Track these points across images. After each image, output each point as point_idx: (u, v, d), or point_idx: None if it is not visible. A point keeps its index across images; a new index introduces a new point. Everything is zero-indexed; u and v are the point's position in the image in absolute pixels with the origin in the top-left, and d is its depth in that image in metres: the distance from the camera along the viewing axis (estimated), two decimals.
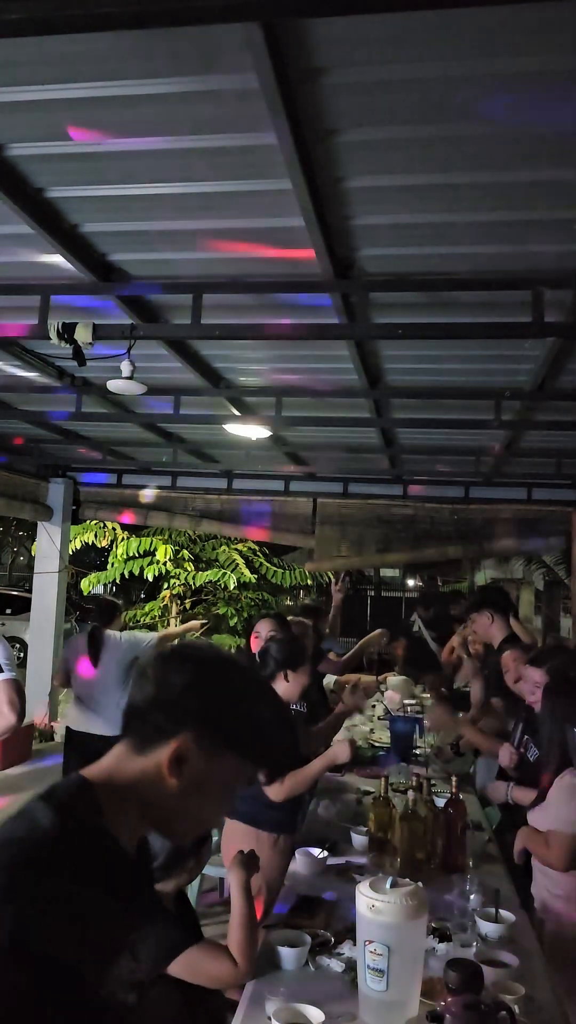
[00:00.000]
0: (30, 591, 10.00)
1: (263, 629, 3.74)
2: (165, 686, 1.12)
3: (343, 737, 3.44)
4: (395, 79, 2.11)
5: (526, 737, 3.29)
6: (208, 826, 1.39)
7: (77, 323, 3.54)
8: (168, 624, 12.13)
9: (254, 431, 5.77)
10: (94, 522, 11.06)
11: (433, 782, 3.50)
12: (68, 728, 5.04)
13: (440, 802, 2.97)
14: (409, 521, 8.98)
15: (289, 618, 4.33)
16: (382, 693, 6.55)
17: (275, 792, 2.96)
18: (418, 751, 4.49)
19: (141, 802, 1.08)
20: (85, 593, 13.47)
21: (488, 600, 4.51)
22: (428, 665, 6.93)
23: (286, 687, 3.08)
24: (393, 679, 5.90)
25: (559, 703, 2.69)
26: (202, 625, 7.29)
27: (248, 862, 2.25)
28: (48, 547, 9.06)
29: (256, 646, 3.61)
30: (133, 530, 11.57)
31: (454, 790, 2.92)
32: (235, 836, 3.01)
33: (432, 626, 7.48)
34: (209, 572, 11.29)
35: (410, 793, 2.89)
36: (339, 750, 3.12)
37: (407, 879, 1.97)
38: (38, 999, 0.88)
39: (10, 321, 4.03)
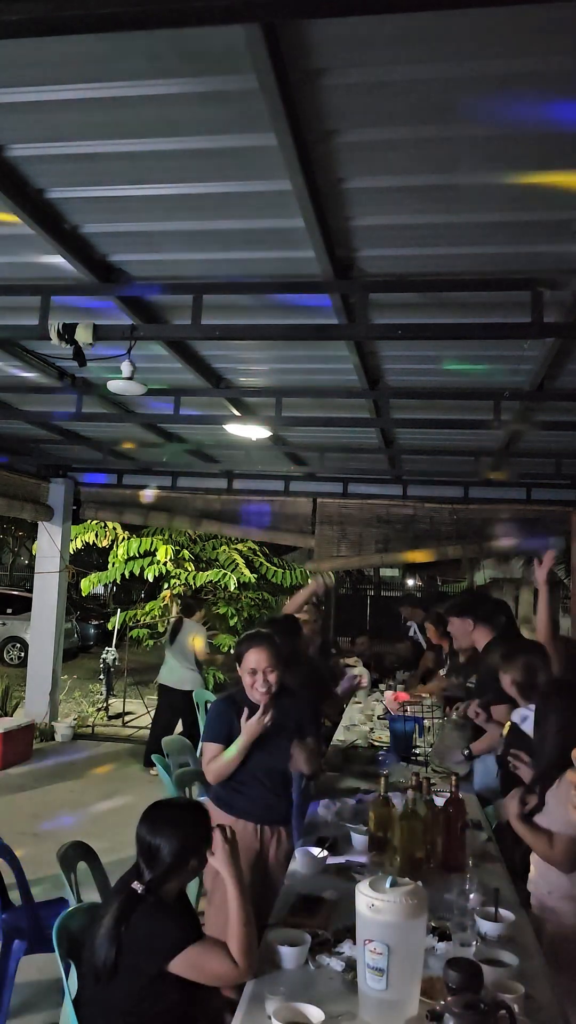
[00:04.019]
0: (31, 591, 10.01)
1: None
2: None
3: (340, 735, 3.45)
4: (395, 79, 2.11)
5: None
6: None
7: (77, 323, 3.54)
8: (169, 624, 12.13)
9: (254, 431, 5.78)
10: (95, 522, 11.06)
11: (433, 781, 3.50)
12: (160, 684, 7.72)
13: (440, 801, 2.97)
14: (409, 521, 8.99)
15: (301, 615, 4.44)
16: (381, 692, 6.57)
17: (208, 774, 3.14)
18: (418, 751, 4.49)
19: None
20: (85, 593, 13.46)
21: (468, 607, 4.49)
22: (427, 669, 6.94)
23: None
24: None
25: (558, 707, 2.68)
26: None
27: (232, 851, 2.25)
28: (48, 547, 9.07)
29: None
30: (134, 530, 11.56)
31: (454, 790, 2.92)
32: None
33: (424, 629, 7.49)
34: (209, 572, 11.28)
35: (410, 793, 2.89)
36: (249, 725, 3.01)
37: (407, 878, 1.98)
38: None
39: (10, 321, 4.04)
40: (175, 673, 7.61)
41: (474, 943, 2.23)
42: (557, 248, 3.03)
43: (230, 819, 3.01)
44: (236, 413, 5.72)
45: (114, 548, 11.56)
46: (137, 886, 2.13)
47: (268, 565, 12.00)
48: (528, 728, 3.00)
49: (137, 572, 11.26)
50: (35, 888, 3.40)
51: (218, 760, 3.07)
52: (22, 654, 14.85)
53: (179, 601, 10.22)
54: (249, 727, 3.02)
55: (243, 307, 3.78)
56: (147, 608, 12.51)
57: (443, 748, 4.07)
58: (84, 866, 3.04)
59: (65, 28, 1.79)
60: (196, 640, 7.69)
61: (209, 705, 3.19)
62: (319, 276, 3.31)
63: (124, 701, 10.40)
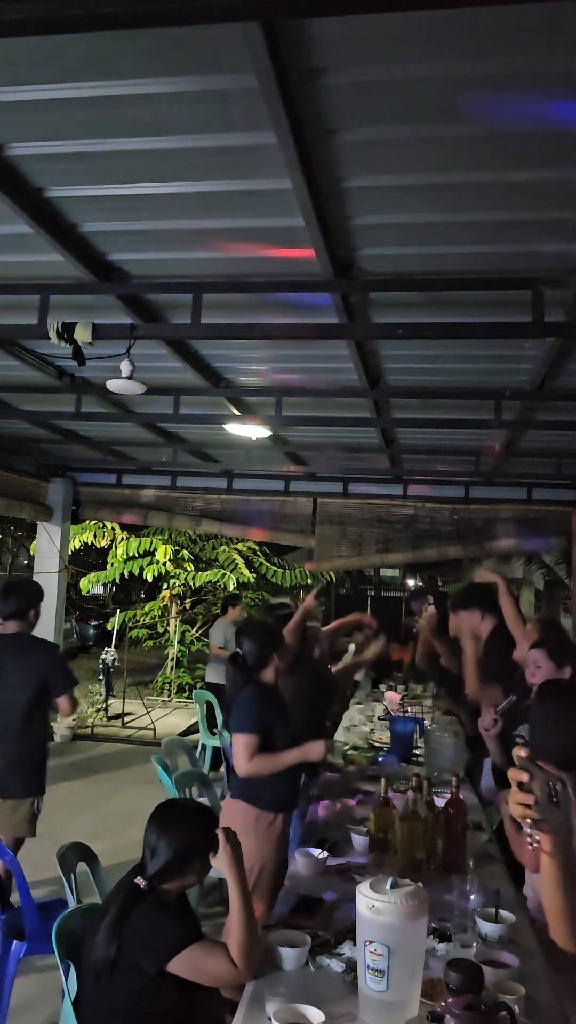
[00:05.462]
0: None
1: None
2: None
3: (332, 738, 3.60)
4: (395, 79, 2.11)
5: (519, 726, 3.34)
6: None
7: (77, 323, 3.54)
8: (168, 624, 12.13)
9: (254, 431, 5.77)
10: (94, 522, 11.05)
11: (433, 783, 3.50)
12: (207, 681, 8.33)
13: (440, 802, 2.97)
14: (409, 521, 8.99)
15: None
16: (382, 693, 6.57)
17: (242, 767, 3.13)
18: (419, 751, 4.48)
19: None
20: (84, 593, 13.45)
21: (473, 599, 4.55)
22: (435, 669, 6.92)
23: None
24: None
25: (556, 708, 2.67)
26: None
27: (234, 851, 2.24)
28: (48, 547, 9.07)
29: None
30: (133, 530, 11.56)
31: (454, 790, 2.92)
32: (233, 814, 3.08)
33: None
34: (209, 572, 11.28)
35: (410, 793, 2.89)
36: (313, 748, 3.23)
37: (407, 879, 1.97)
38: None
39: (10, 320, 4.03)
40: (211, 667, 8.47)
41: (475, 944, 2.23)
42: (558, 247, 3.02)
43: (259, 812, 3.14)
44: (236, 413, 5.71)
45: (113, 548, 11.55)
46: (140, 881, 2.13)
47: (268, 565, 12.01)
48: None
49: (136, 572, 11.26)
50: (35, 889, 3.39)
51: (267, 759, 3.15)
52: None
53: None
54: (312, 752, 3.21)
55: (243, 306, 3.77)
56: (146, 608, 12.52)
57: (442, 756, 4.04)
58: (84, 868, 3.04)
59: (65, 28, 1.78)
60: (213, 637, 8.45)
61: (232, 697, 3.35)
62: (319, 275, 3.30)
63: (123, 702, 10.40)
